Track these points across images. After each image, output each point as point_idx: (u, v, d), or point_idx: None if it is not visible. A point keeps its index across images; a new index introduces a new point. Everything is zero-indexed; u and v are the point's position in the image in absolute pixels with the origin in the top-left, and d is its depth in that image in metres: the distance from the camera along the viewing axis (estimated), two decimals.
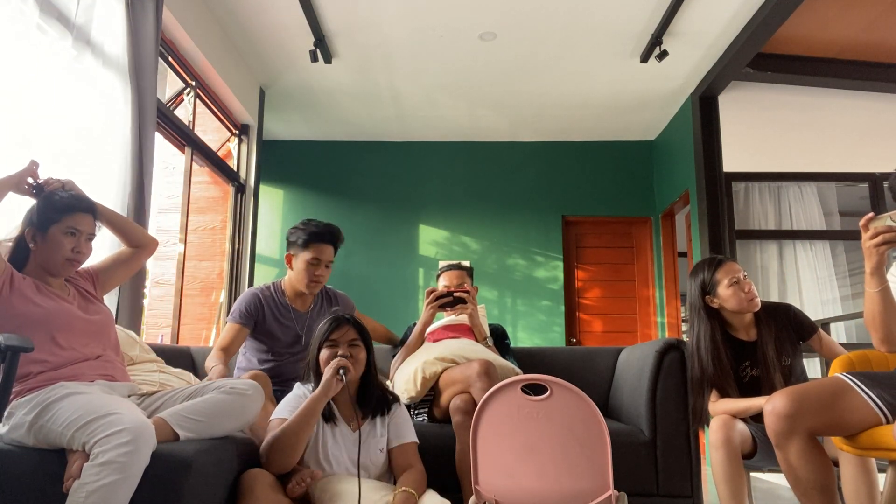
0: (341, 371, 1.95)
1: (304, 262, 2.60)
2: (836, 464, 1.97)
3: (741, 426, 2.20)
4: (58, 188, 1.95)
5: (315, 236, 2.61)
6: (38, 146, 2.52)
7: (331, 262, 2.65)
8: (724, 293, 2.36)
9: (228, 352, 2.55)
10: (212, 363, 2.45)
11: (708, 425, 2.27)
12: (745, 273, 2.41)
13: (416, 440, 2.11)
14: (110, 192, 2.94)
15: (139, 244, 2.21)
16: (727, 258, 2.45)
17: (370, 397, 2.09)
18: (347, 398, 2.04)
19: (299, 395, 2.06)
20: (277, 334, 2.64)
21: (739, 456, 2.13)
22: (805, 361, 2.49)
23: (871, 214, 1.68)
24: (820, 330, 2.40)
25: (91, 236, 1.97)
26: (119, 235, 2.20)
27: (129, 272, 2.24)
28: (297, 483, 1.81)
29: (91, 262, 2.06)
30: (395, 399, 2.16)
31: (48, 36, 2.65)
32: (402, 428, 2.10)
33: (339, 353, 2.03)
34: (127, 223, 2.23)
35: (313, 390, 2.01)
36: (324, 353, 2.05)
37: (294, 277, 2.66)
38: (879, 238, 1.65)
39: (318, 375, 2.04)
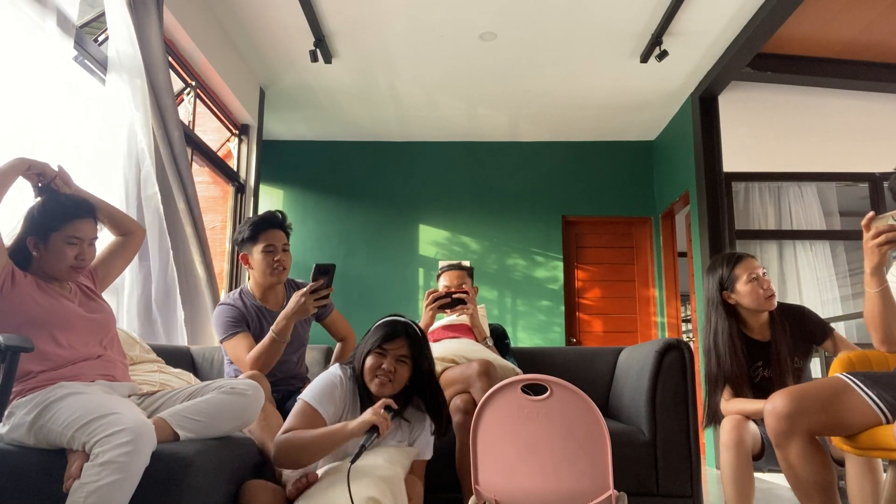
0: (368, 439, 1.81)
1: (259, 253, 2.52)
2: (841, 463, 1.97)
3: (753, 427, 2.17)
4: (62, 188, 1.95)
5: (261, 224, 2.54)
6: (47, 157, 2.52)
7: (287, 246, 2.57)
8: (743, 289, 2.33)
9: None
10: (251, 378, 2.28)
11: (718, 424, 2.26)
12: (765, 270, 2.38)
13: (430, 457, 2.05)
14: (134, 196, 2.94)
15: (126, 231, 2.19)
16: (746, 254, 2.41)
17: (403, 406, 2.00)
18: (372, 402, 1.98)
19: (334, 375, 2.00)
20: (256, 340, 2.54)
21: (750, 457, 2.11)
22: None
23: (872, 214, 1.68)
24: (835, 332, 2.36)
25: (94, 240, 1.96)
26: (109, 226, 2.18)
27: (124, 263, 2.23)
28: (296, 489, 1.81)
29: None
30: (426, 413, 2.05)
31: (51, 41, 2.65)
32: (423, 444, 2.03)
33: (384, 365, 1.94)
34: (115, 212, 2.20)
35: (352, 376, 2.00)
36: (369, 360, 1.96)
37: (256, 274, 2.56)
38: (882, 237, 1.65)
39: (360, 376, 1.99)
